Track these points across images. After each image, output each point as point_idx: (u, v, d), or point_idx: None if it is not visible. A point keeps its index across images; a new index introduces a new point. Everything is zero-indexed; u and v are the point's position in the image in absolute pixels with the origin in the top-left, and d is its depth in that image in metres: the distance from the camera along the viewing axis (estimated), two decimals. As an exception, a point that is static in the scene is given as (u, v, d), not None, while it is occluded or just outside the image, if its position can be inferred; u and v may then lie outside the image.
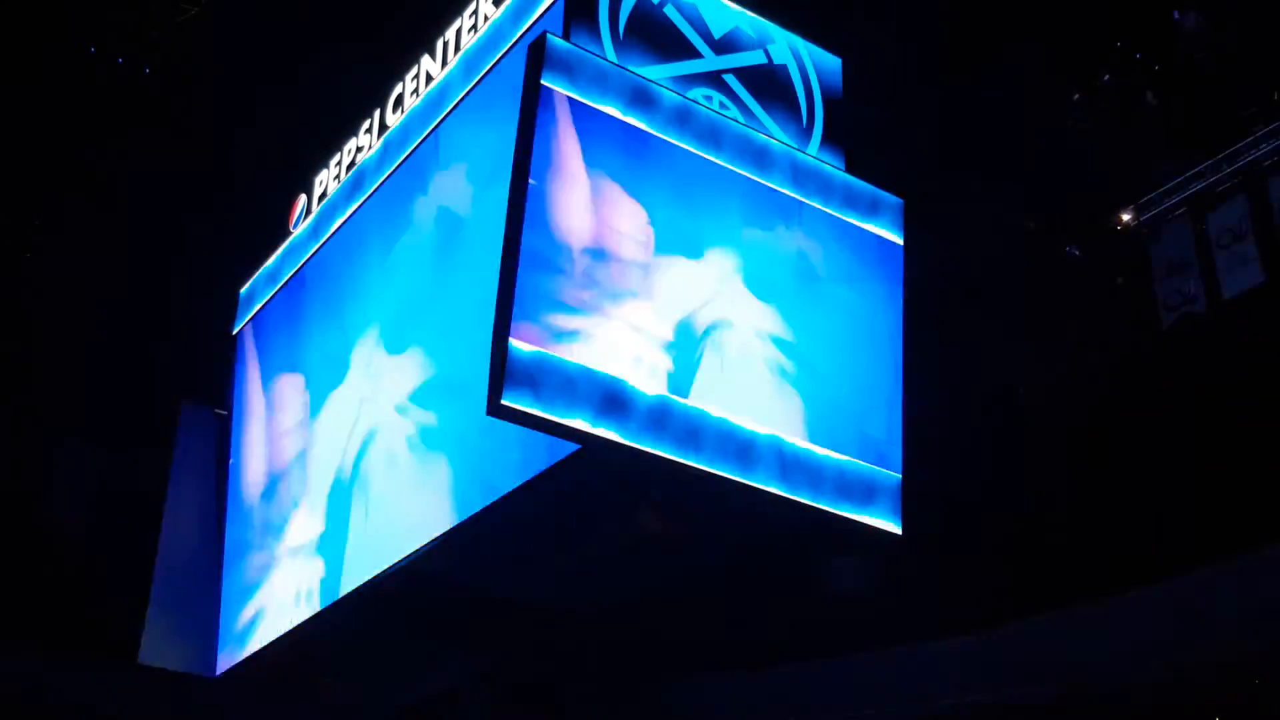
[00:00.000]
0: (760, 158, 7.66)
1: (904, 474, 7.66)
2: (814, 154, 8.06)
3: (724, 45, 8.04)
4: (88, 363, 12.17)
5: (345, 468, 9.14)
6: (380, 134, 9.67)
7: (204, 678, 10.52)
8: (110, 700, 10.45)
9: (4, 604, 10.83)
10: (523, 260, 6.64)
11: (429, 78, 9.16)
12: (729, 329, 7.32)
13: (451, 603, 8.85)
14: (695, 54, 7.87)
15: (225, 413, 11.41)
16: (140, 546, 11.05)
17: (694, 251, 7.32)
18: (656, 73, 7.58)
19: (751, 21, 8.21)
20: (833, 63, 8.49)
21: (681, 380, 7.03)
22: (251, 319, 11.33)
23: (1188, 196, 10.42)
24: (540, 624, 9.20)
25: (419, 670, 9.95)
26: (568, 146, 6.99)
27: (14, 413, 12.05)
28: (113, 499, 12.00)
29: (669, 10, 7.85)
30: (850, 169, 8.14)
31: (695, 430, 6.93)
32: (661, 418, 6.84)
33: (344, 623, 9.13)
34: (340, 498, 9.15)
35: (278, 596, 9.74)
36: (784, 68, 8.26)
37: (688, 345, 7.12)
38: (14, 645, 10.32)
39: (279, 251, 11.01)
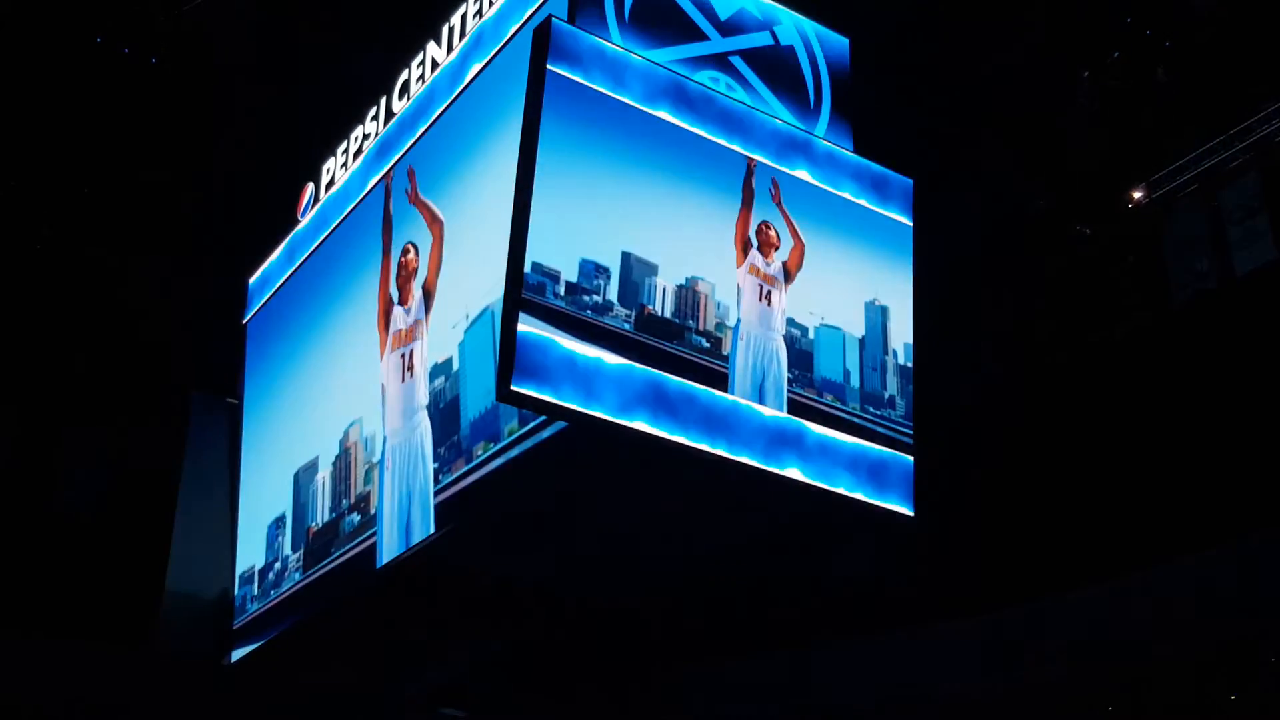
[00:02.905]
0: (770, 140, 7.64)
1: (915, 457, 7.67)
2: (822, 135, 8.03)
3: (730, 27, 8.00)
4: (99, 353, 12.21)
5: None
6: (387, 121, 9.65)
7: (218, 665, 10.56)
8: (124, 688, 10.49)
9: (19, 592, 10.89)
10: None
11: (435, 64, 9.14)
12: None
13: (460, 590, 8.87)
14: (701, 36, 7.84)
15: (236, 402, 11.43)
16: (154, 535, 11.11)
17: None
18: (663, 56, 7.56)
19: (757, 3, 8.17)
20: (840, 43, 8.45)
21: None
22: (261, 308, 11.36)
23: (1199, 173, 10.37)
24: (550, 610, 9.21)
25: (429, 657, 9.98)
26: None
27: (27, 402, 12.10)
28: (126, 488, 12.06)
29: (674, -8, 7.81)
30: (858, 149, 8.11)
31: (710, 416, 6.94)
32: (677, 403, 6.84)
33: (354, 609, 9.15)
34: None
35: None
36: (790, 48, 8.22)
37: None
38: (28, 633, 10.36)
39: (287, 241, 11.01)
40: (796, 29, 8.27)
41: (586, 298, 6.79)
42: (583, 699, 10.79)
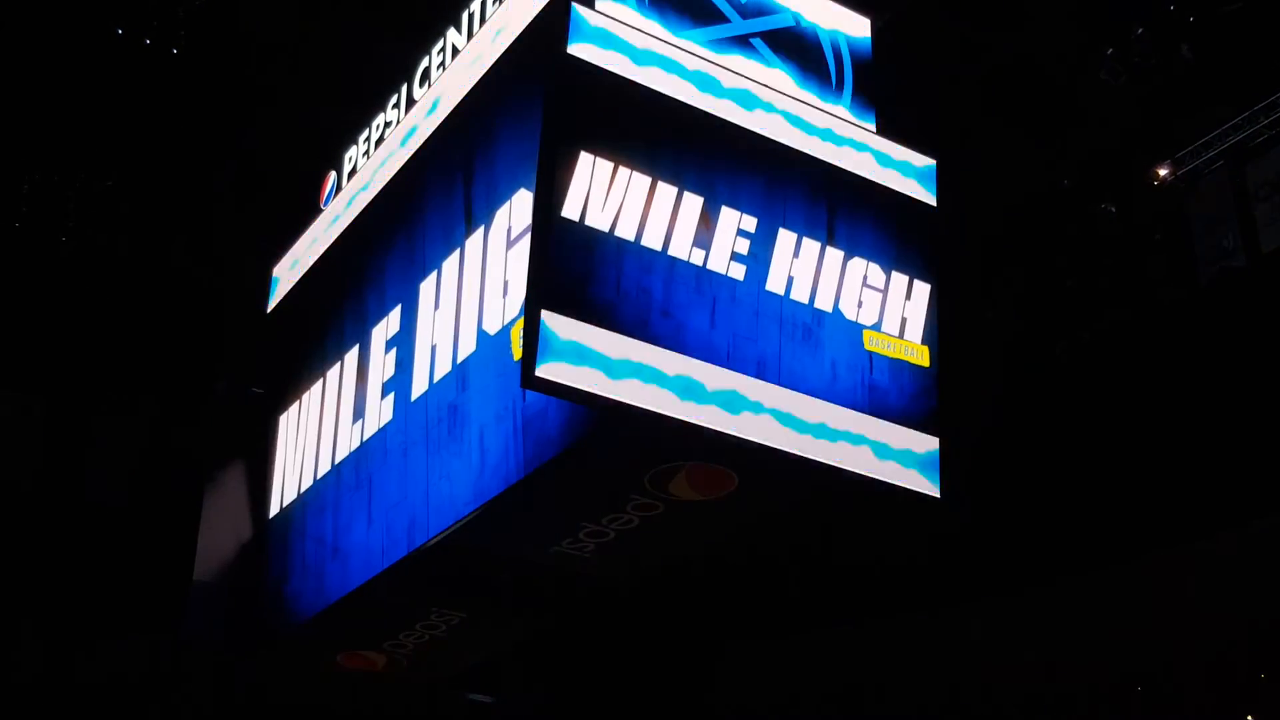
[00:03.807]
0: (793, 123, 7.63)
1: (941, 436, 7.63)
2: (844, 117, 7.99)
3: (751, 9, 7.97)
4: (126, 345, 12.30)
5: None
6: (408, 108, 9.66)
7: (246, 655, 10.63)
8: (151, 675, 10.58)
9: (50, 581, 10.98)
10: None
11: (455, 50, 9.14)
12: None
13: (490, 572, 8.90)
14: (722, 18, 7.81)
15: (261, 390, 11.48)
16: (181, 524, 11.18)
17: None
18: (684, 38, 7.53)
19: (778, -17, 8.13)
20: (861, 23, 8.41)
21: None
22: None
23: (1224, 149, 10.30)
24: (579, 592, 9.24)
25: (460, 641, 10.02)
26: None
27: (57, 394, 12.20)
28: (154, 478, 12.15)
29: (695, -27, 7.78)
30: (881, 130, 8.07)
31: (734, 398, 6.93)
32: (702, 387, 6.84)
33: (383, 595, 9.19)
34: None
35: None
36: (811, 30, 8.18)
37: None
38: (58, 621, 10.46)
39: (310, 229, 11.05)
40: (817, 9, 8.24)
41: None
42: (610, 682, 10.82)
